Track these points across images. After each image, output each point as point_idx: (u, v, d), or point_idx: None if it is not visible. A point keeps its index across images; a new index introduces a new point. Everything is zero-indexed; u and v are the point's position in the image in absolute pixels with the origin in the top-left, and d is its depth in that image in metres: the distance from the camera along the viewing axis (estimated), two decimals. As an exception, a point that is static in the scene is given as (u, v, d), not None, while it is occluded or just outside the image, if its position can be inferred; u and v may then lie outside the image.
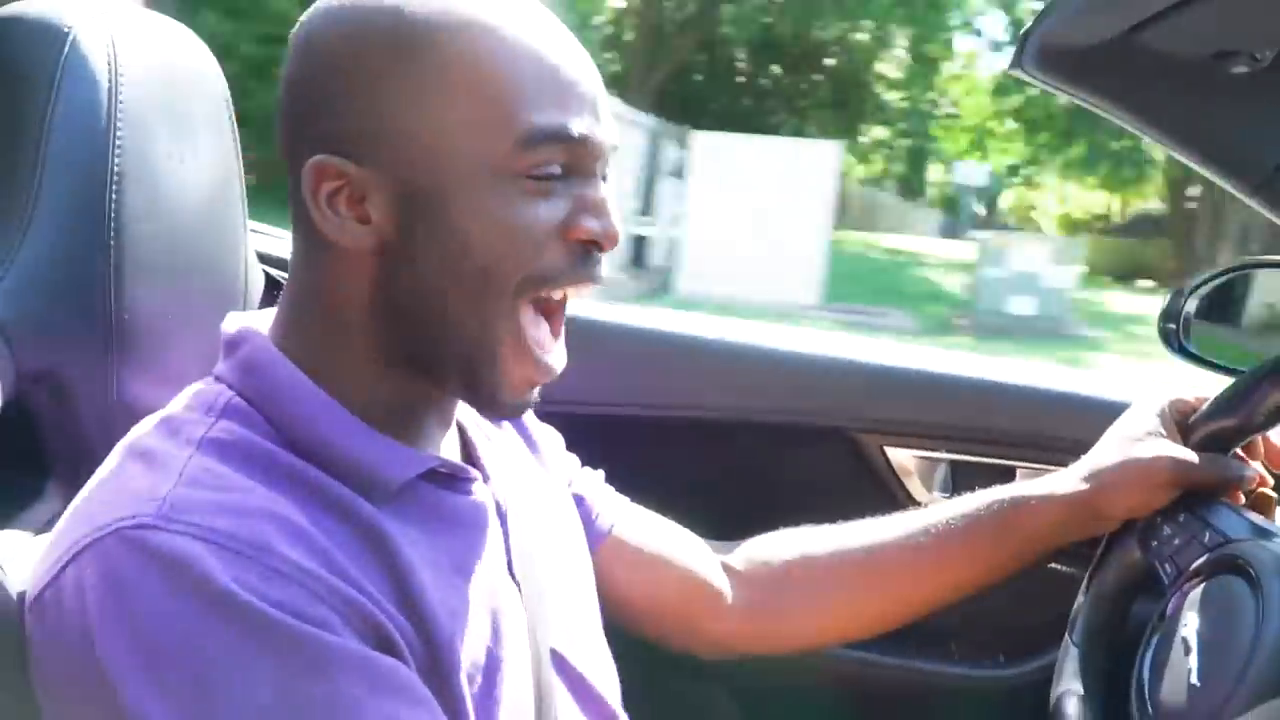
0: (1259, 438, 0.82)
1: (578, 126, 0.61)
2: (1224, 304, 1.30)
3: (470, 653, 0.61)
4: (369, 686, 0.53)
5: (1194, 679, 0.66)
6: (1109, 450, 0.82)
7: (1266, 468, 0.83)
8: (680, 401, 1.13)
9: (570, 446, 0.89)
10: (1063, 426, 1.06)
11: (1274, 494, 0.81)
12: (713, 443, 1.15)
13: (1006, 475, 1.09)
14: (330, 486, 0.59)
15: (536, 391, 0.66)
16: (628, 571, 0.84)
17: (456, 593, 0.62)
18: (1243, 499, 0.79)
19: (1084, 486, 0.81)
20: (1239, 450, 0.81)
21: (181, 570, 0.52)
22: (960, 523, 0.84)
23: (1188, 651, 0.68)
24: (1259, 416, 0.78)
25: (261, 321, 0.67)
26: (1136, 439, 0.81)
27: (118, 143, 0.72)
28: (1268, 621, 0.63)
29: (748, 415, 1.13)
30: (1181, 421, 0.82)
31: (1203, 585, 0.71)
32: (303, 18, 0.64)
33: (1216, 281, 1.27)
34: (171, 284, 0.77)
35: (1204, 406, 0.82)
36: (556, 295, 0.64)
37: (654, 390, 1.13)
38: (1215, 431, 0.80)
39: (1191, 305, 1.28)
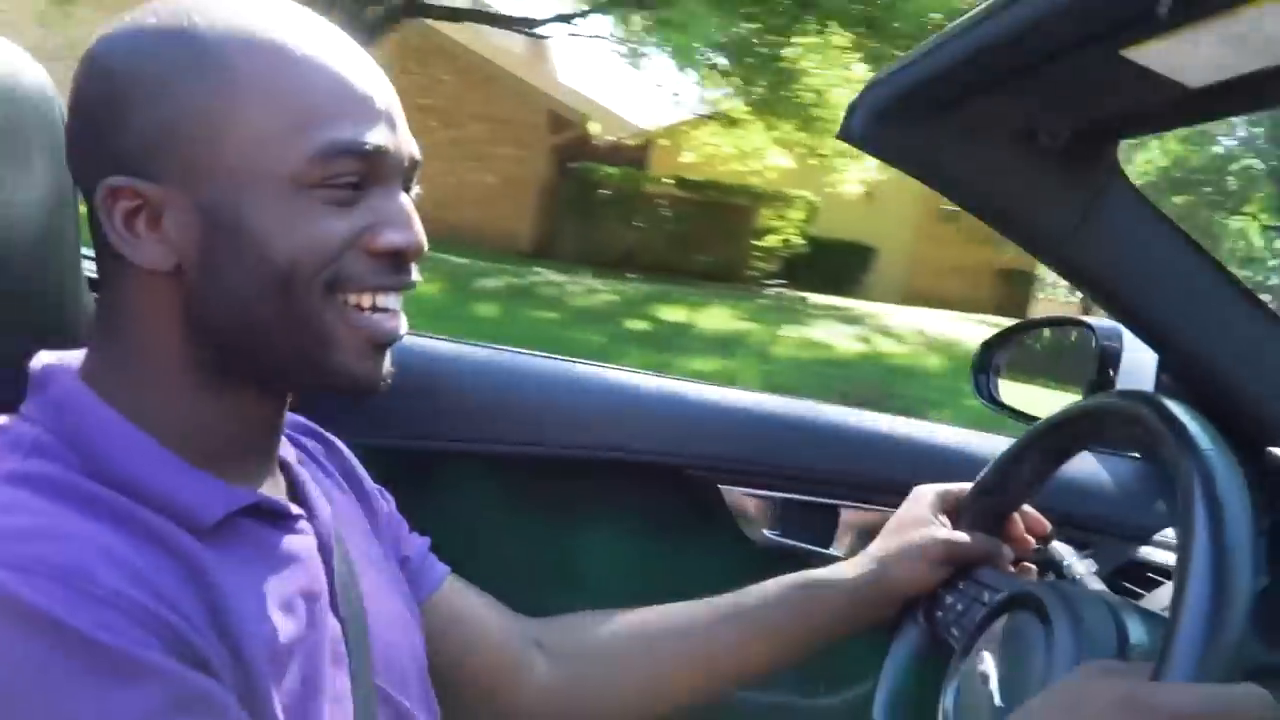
0: (1018, 511, 0.92)
1: (372, 139, 0.62)
2: (1027, 357, 1.42)
3: (287, 684, 0.61)
4: (181, 704, 0.53)
5: (996, 701, 0.72)
6: (888, 538, 0.91)
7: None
8: (518, 438, 1.14)
9: (405, 484, 0.90)
10: (883, 469, 1.14)
11: (1031, 565, 0.92)
12: (549, 480, 1.17)
13: (831, 513, 1.15)
14: (147, 518, 0.58)
15: (389, 360, 0.67)
16: (440, 639, 0.84)
17: (274, 626, 0.61)
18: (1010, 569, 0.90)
19: (867, 571, 0.90)
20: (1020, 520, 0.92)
21: None
22: (758, 611, 0.90)
23: (986, 682, 0.74)
24: (1013, 495, 0.89)
25: (75, 357, 0.65)
26: (912, 526, 0.90)
27: None
28: (1057, 646, 0.69)
29: (585, 452, 1.15)
30: (950, 508, 0.92)
31: (994, 625, 0.78)
32: (93, 39, 0.63)
33: (1020, 335, 1.39)
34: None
35: (970, 489, 0.91)
36: (365, 302, 0.64)
37: (492, 426, 1.14)
38: (980, 511, 0.90)
39: (1000, 356, 1.39)
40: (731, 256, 13.51)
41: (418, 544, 0.89)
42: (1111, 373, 1.17)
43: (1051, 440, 0.85)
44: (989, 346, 1.38)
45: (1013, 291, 17.62)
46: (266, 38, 0.61)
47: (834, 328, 10.03)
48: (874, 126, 0.92)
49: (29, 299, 0.77)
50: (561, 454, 1.15)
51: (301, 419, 0.84)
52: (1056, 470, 0.87)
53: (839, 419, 1.21)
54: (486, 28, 12.23)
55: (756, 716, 1.14)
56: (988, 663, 0.75)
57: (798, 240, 13.96)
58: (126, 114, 0.60)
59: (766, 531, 1.15)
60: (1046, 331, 1.46)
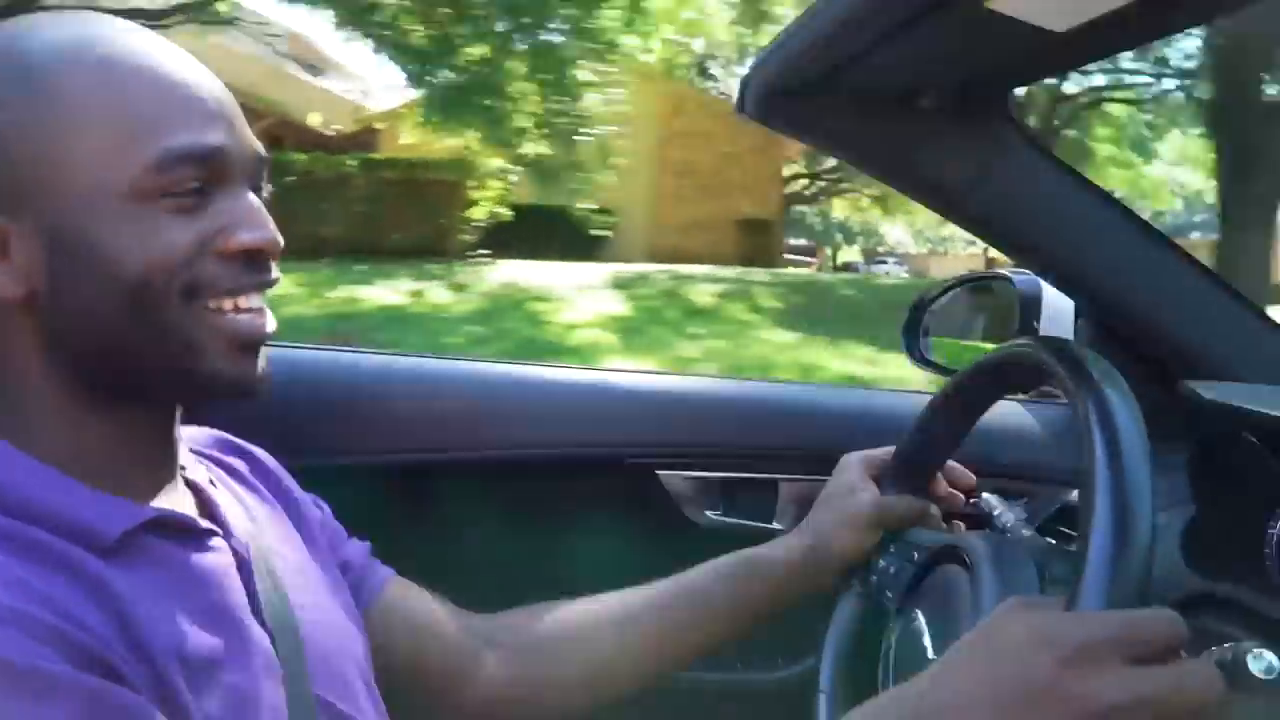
0: (942, 469, 0.93)
1: (209, 140, 0.62)
2: (954, 314, 1.43)
3: (213, 698, 0.60)
4: (101, 713, 0.52)
5: (929, 654, 0.73)
6: (819, 509, 0.93)
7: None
8: (453, 444, 1.14)
9: (343, 499, 0.89)
10: (817, 439, 1.14)
11: (960, 521, 0.93)
12: (489, 482, 1.16)
13: (771, 488, 1.16)
14: (46, 542, 0.58)
15: (264, 360, 0.66)
16: (388, 640, 0.84)
17: (189, 639, 0.61)
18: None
19: (802, 544, 0.91)
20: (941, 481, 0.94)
21: None
22: (698, 592, 0.91)
23: (919, 637, 0.75)
24: (935, 452, 0.91)
25: None
26: (840, 495, 0.92)
27: None
28: (980, 594, 0.70)
29: (523, 452, 1.15)
30: (877, 473, 0.93)
31: (924, 582, 0.78)
32: None
33: (946, 295, 1.40)
34: None
35: (893, 453, 0.93)
36: (226, 305, 0.64)
37: (426, 434, 1.13)
38: (905, 473, 0.91)
39: (929, 318, 1.40)
40: (437, 231, 13.60)
41: (357, 549, 0.88)
42: (1034, 323, 1.18)
43: (963, 395, 0.85)
44: (917, 308, 1.40)
45: (756, 241, 17.82)
46: (91, 53, 0.61)
47: (428, 286, 10.80)
48: (765, 101, 0.93)
49: None
50: (499, 455, 1.15)
51: (219, 434, 0.83)
52: (973, 424, 0.88)
53: (770, 393, 1.22)
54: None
55: (711, 695, 1.15)
56: (919, 619, 0.76)
57: (503, 210, 14.17)
58: None
59: (709, 512, 1.15)
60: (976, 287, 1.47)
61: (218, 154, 0.62)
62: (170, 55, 0.63)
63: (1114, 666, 0.52)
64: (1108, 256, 0.96)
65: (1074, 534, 1.01)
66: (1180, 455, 0.92)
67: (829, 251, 40.86)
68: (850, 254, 44.31)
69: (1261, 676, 0.55)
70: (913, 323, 1.40)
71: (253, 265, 0.65)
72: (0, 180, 0.59)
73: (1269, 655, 0.55)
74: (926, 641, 0.74)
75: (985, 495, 0.92)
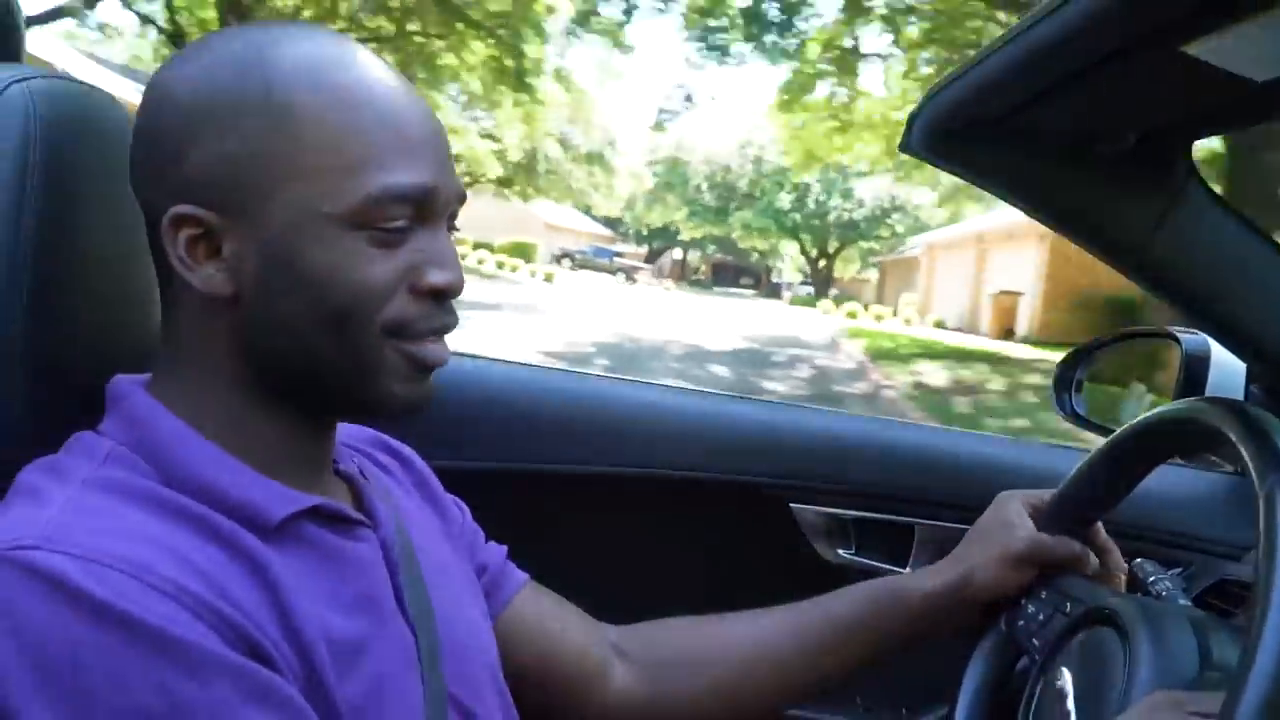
0: (1099, 520, 0.88)
1: (425, 182, 0.64)
2: (1109, 371, 1.38)
3: (353, 682, 0.62)
4: (247, 695, 0.54)
5: (1072, 718, 0.70)
6: (970, 542, 0.89)
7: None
8: (598, 458, 1.16)
9: (486, 503, 0.91)
10: (959, 486, 1.11)
11: (1120, 576, 0.88)
12: (627, 498, 1.18)
13: (906, 532, 1.13)
14: (212, 518, 0.61)
15: (428, 385, 0.69)
16: (521, 645, 0.85)
17: (338, 626, 0.63)
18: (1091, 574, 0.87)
19: (951, 575, 0.87)
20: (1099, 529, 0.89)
21: (60, 585, 0.53)
22: (841, 615, 0.89)
23: (1063, 699, 0.72)
24: (1097, 503, 0.86)
25: (147, 377, 0.69)
26: (995, 528, 0.88)
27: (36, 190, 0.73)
28: (1136, 664, 0.67)
29: (661, 471, 1.16)
30: (1034, 514, 0.89)
31: (1074, 639, 0.75)
32: (161, 67, 0.66)
33: (1105, 348, 1.35)
34: (92, 336, 0.78)
35: (1054, 494, 0.88)
36: (418, 350, 0.66)
37: (569, 447, 1.16)
38: (1062, 518, 0.87)
39: (1082, 371, 1.35)
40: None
41: (495, 552, 0.90)
42: (1201, 386, 1.13)
43: (1133, 447, 0.82)
44: (1069, 363, 1.35)
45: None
46: (330, 79, 0.63)
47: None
48: (932, 138, 0.91)
49: (124, 319, 0.81)
50: (638, 473, 1.16)
51: (375, 433, 0.87)
52: (1141, 478, 0.84)
53: (914, 436, 1.20)
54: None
55: None
56: (1065, 679, 0.73)
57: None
58: (194, 144, 0.63)
59: (840, 550, 1.13)
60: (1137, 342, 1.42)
61: (430, 194, 0.65)
62: (400, 88, 0.66)
63: None
64: (1268, 316, 0.91)
65: (1231, 610, 0.95)
66: None
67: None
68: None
69: None
70: (1065, 376, 1.35)
71: (441, 305, 0.67)
72: (226, 184, 0.62)
73: None
74: (1070, 705, 0.71)
75: (1140, 560, 0.87)
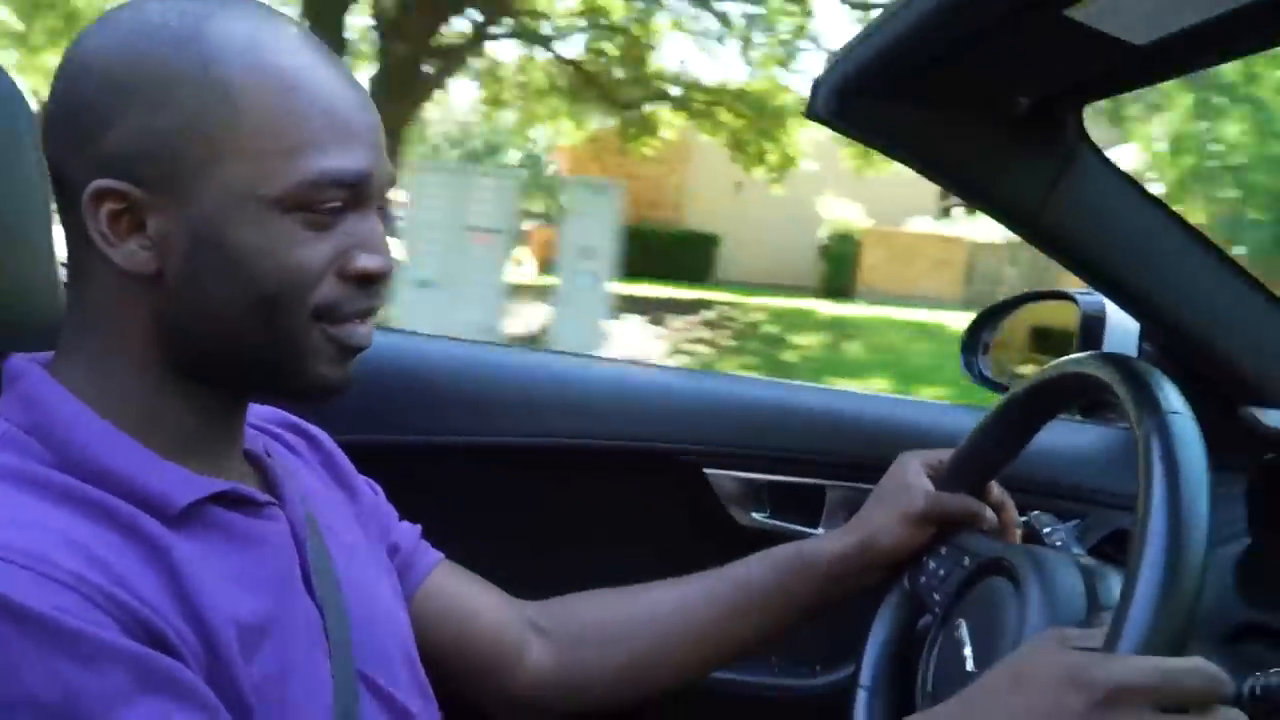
0: (995, 477, 0.91)
1: (362, 167, 0.63)
2: (1014, 332, 1.41)
3: (258, 666, 0.61)
4: (145, 683, 0.54)
5: (969, 666, 0.72)
6: (872, 504, 0.91)
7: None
8: (507, 430, 1.15)
9: (395, 479, 0.91)
10: (868, 447, 1.13)
11: (1018, 530, 0.90)
12: (539, 470, 1.17)
13: (818, 494, 1.15)
14: (112, 504, 0.59)
15: (348, 368, 0.68)
16: (436, 624, 0.85)
17: (248, 607, 0.62)
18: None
19: (855, 538, 0.89)
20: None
21: None
22: (753, 581, 0.90)
23: (960, 647, 0.74)
24: (992, 461, 0.88)
25: (47, 355, 0.67)
26: (895, 490, 0.90)
27: None
28: (1027, 609, 0.69)
29: (574, 441, 1.16)
30: (933, 473, 0.91)
31: (970, 591, 0.78)
32: (83, 32, 0.63)
33: (1008, 310, 1.39)
34: None
35: (952, 454, 0.90)
36: (344, 333, 0.66)
37: (480, 419, 1.15)
38: (960, 476, 0.89)
39: (988, 334, 1.39)
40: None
41: (408, 532, 0.89)
42: (1098, 344, 1.17)
43: (1024, 405, 0.84)
44: (976, 326, 1.38)
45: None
46: (270, 59, 0.62)
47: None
48: (837, 103, 0.93)
49: (8, 299, 0.78)
50: (551, 443, 1.16)
51: (283, 413, 0.85)
52: (1031, 436, 0.86)
53: (823, 399, 1.22)
54: None
55: (746, 699, 1.14)
56: (962, 628, 0.75)
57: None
58: (121, 116, 0.60)
59: (754, 514, 1.15)
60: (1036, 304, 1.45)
61: (366, 179, 0.64)
62: (337, 71, 0.65)
63: (1145, 714, 0.52)
64: (1175, 279, 0.95)
65: (1124, 560, 0.99)
66: (1241, 485, 0.90)
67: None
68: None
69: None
70: (971, 339, 1.39)
71: (370, 288, 0.66)
72: (155, 159, 0.60)
73: None
74: (967, 653, 0.74)
75: (1036, 513, 0.90)
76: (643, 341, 9.48)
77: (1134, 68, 0.80)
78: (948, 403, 1.27)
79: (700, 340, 10.08)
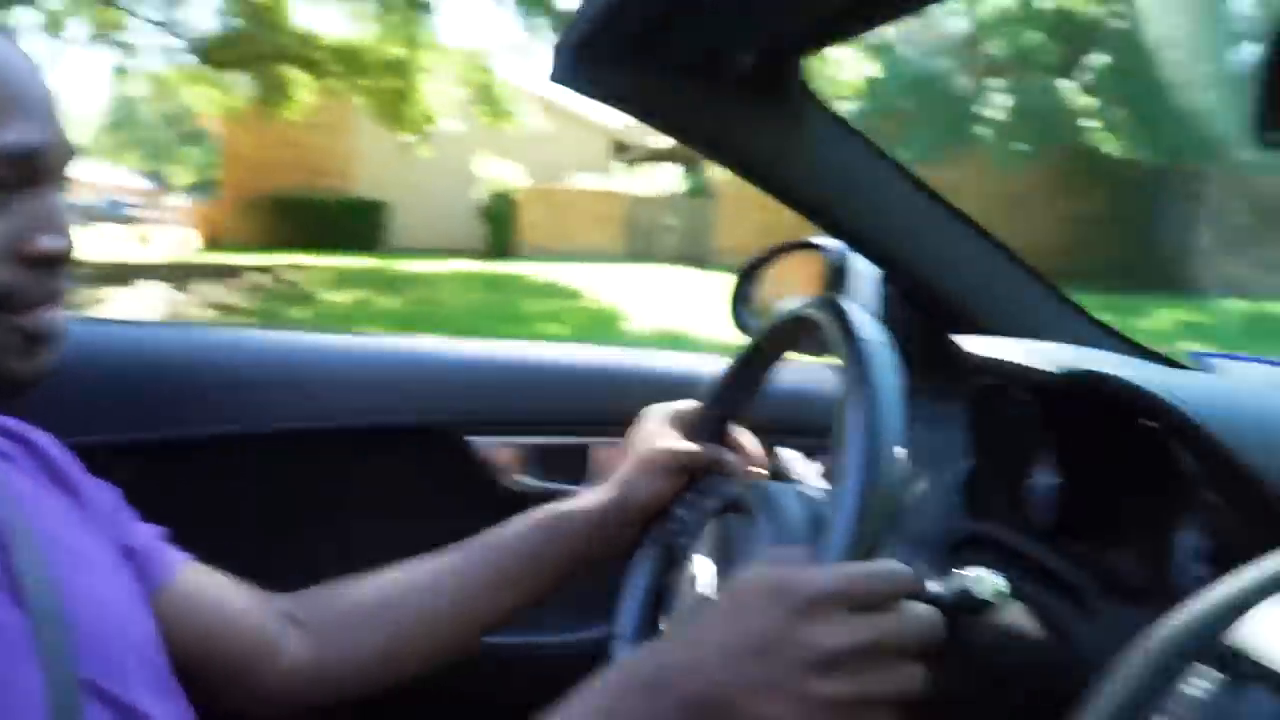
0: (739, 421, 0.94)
1: (25, 138, 0.60)
2: (780, 282, 1.47)
3: None
4: None
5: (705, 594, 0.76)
6: (621, 459, 0.93)
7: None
8: (253, 417, 1.11)
9: (137, 478, 0.86)
10: (624, 402, 1.16)
11: (762, 466, 0.94)
12: (293, 457, 1.14)
13: (581, 453, 1.17)
14: None
15: (47, 356, 0.65)
16: (181, 626, 0.81)
17: None
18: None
19: (608, 494, 0.91)
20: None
21: None
22: (511, 546, 0.90)
23: (694, 584, 0.77)
24: (733, 406, 0.92)
25: None
26: (642, 443, 0.92)
27: None
28: (757, 540, 0.73)
29: (326, 424, 1.13)
30: (679, 425, 0.93)
31: (711, 531, 0.81)
32: None
33: (767, 262, 1.44)
34: None
35: (696, 403, 0.94)
36: (28, 323, 0.62)
37: (224, 408, 1.10)
38: (705, 425, 0.92)
39: (752, 286, 1.44)
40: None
41: (145, 533, 0.85)
42: (842, 290, 1.23)
43: (758, 352, 0.88)
44: (742, 278, 1.43)
45: None
46: None
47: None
48: (575, 67, 0.93)
49: None
50: (298, 427, 1.12)
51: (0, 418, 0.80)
52: (765, 379, 0.90)
53: (577, 358, 1.23)
54: None
55: (501, 660, 1.14)
56: (700, 565, 0.78)
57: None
58: None
59: (520, 478, 1.15)
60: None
61: (38, 153, 0.60)
62: (4, 42, 0.61)
63: (840, 616, 0.55)
64: (895, 222, 1.01)
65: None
66: (964, 410, 0.98)
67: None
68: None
69: (988, 598, 0.59)
70: (739, 293, 1.44)
71: (53, 271, 0.62)
72: None
73: (992, 579, 0.59)
74: (706, 589, 0.77)
75: (782, 450, 0.95)
76: (145, 307, 8.97)
77: (838, 20, 0.84)
78: (700, 353, 1.31)
79: (213, 304, 9.55)
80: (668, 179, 18.58)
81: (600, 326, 8.91)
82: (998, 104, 12.49)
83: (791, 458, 0.94)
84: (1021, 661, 0.77)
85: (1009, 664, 0.77)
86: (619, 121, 16.76)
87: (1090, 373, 0.75)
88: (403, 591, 0.90)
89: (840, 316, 0.69)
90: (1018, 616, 0.77)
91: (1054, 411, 0.83)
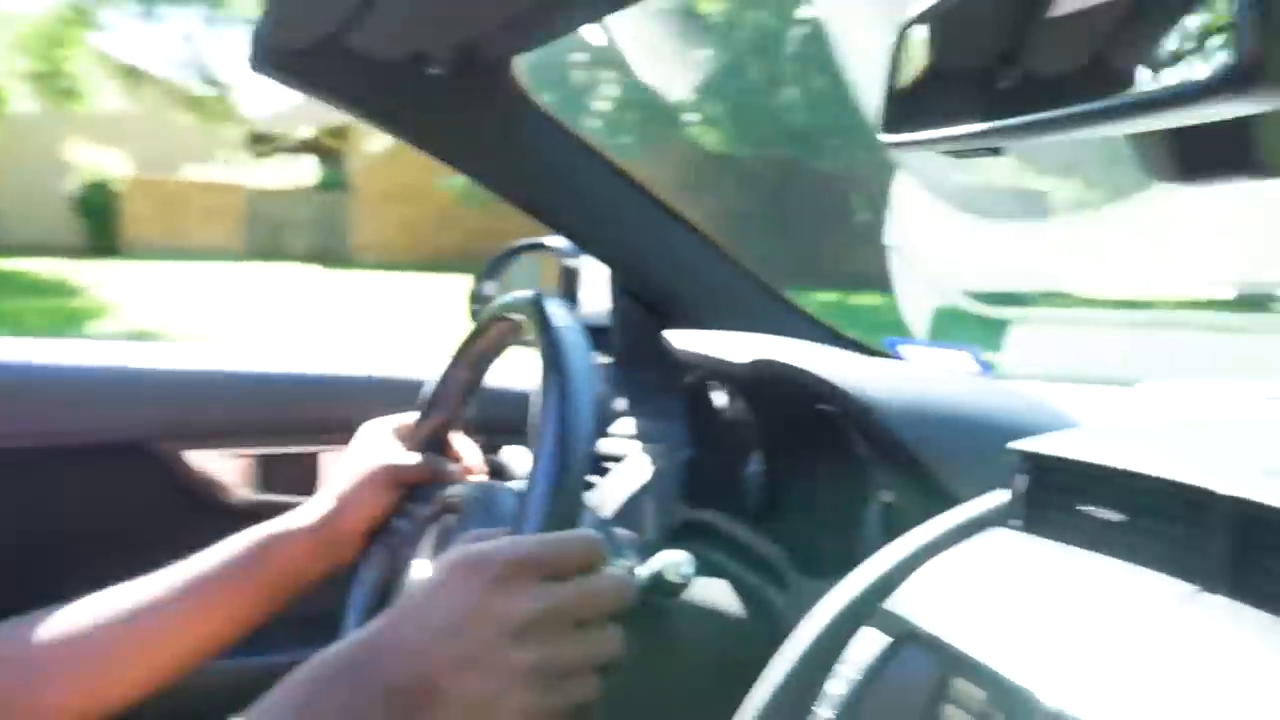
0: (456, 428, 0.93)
1: None
2: (520, 281, 1.47)
3: None
4: None
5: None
6: (338, 474, 0.90)
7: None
8: None
9: None
10: (358, 410, 1.12)
11: (481, 468, 0.93)
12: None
13: (312, 461, 1.13)
14: None
15: None
16: None
17: None
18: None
19: (325, 509, 0.88)
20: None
21: None
22: (218, 572, 0.86)
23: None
24: (450, 411, 0.91)
25: None
26: (358, 459, 0.90)
27: None
28: (466, 535, 0.72)
29: (27, 441, 1.03)
30: (399, 436, 0.92)
31: (428, 535, 0.80)
32: None
33: (507, 262, 1.44)
34: None
35: (416, 413, 0.92)
36: None
37: None
38: (423, 434, 0.91)
39: (490, 287, 1.43)
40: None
41: None
42: (575, 289, 1.24)
43: (468, 354, 0.87)
44: (480, 279, 1.42)
45: None
46: None
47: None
48: (276, 57, 0.90)
49: None
50: (3, 446, 1.03)
51: None
52: (479, 381, 0.90)
53: (298, 365, 1.18)
54: None
55: (248, 682, 1.10)
56: (419, 570, 0.77)
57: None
58: None
59: (246, 492, 1.10)
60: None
61: None
62: None
63: (533, 583, 0.56)
64: (611, 219, 1.03)
65: (592, 481, 1.07)
66: (683, 403, 1.01)
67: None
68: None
69: (677, 580, 0.62)
70: (477, 293, 1.42)
71: None
72: None
73: (680, 561, 0.62)
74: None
75: (505, 449, 0.95)
76: None
77: (540, 20, 0.84)
78: (419, 360, 1.29)
79: None
80: (300, 172, 16.88)
81: (59, 328, 8.02)
82: (604, 95, 12.15)
83: (515, 455, 0.94)
84: (724, 636, 0.80)
85: (711, 639, 0.80)
86: (261, 110, 15.63)
87: (771, 362, 0.79)
88: (105, 621, 0.84)
89: (536, 309, 0.70)
90: (722, 595, 0.81)
91: (755, 401, 0.87)
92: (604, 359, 1.31)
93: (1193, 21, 0.35)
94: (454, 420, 0.91)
